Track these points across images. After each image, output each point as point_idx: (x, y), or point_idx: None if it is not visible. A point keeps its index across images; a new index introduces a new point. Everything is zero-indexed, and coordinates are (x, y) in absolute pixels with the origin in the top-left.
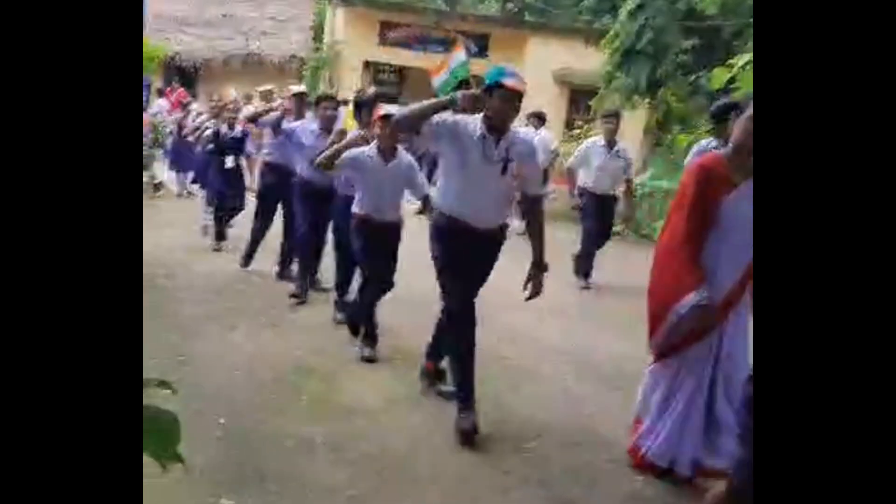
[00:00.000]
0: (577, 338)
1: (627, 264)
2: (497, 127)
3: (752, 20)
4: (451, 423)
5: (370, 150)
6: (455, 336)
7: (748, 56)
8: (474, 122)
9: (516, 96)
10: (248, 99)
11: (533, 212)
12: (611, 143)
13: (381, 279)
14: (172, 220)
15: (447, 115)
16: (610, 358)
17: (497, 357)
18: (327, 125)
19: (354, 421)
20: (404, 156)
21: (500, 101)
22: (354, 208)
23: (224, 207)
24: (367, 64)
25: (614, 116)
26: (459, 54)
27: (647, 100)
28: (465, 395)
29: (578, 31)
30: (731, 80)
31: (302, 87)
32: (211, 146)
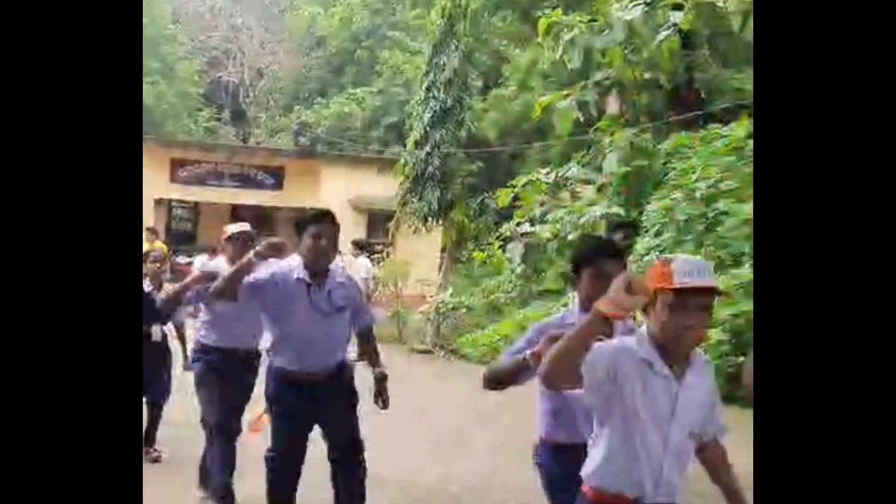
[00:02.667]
0: (399, 464)
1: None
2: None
3: (526, 144)
4: None
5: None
6: None
7: (527, 177)
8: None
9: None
10: None
11: None
12: None
13: None
14: None
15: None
16: (433, 481)
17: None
18: (323, 262)
19: None
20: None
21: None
22: (543, 430)
23: (150, 401)
24: (159, 201)
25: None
26: None
27: (440, 221)
28: None
29: (370, 160)
30: (517, 198)
31: (244, 226)
32: None
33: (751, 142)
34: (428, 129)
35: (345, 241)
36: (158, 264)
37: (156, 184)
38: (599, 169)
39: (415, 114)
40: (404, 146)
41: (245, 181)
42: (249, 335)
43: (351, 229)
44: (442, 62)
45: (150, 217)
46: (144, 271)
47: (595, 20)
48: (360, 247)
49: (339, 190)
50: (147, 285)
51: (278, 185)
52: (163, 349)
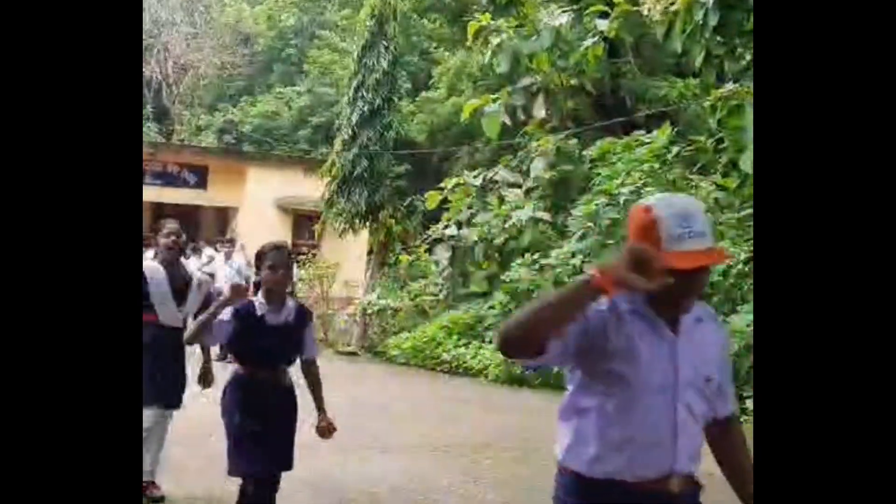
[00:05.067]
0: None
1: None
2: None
3: (455, 147)
4: None
5: None
6: None
7: (456, 179)
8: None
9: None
10: None
11: None
12: None
13: None
14: None
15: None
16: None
17: None
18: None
19: None
20: None
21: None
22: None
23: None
24: None
25: None
26: None
27: (367, 223)
28: None
29: (297, 160)
30: (445, 201)
31: None
32: None
33: (674, 148)
34: (356, 129)
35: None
36: (174, 237)
37: None
38: (527, 173)
39: (343, 114)
40: (332, 147)
41: (168, 179)
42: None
43: (276, 230)
44: (371, 63)
45: None
46: (155, 248)
47: (523, 25)
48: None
49: (264, 190)
50: (156, 267)
51: (202, 183)
52: (176, 340)
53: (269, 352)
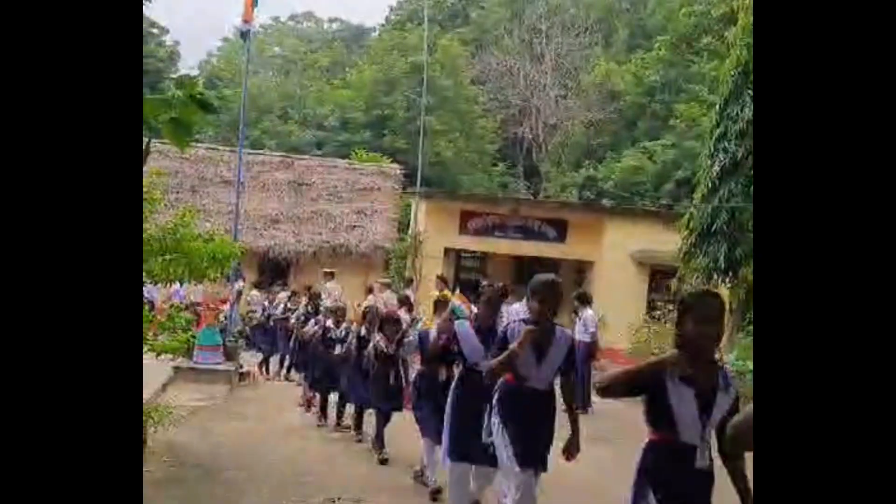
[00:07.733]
0: None
1: None
2: None
3: None
4: None
5: None
6: None
7: None
8: None
9: None
10: (370, 290)
11: None
12: None
13: None
14: (255, 411)
15: None
16: None
17: None
18: None
19: None
20: None
21: None
22: None
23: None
24: (447, 251)
25: None
26: None
27: (727, 279)
28: None
29: (656, 214)
30: None
31: None
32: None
33: None
34: (716, 181)
35: (634, 300)
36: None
37: (446, 235)
38: None
39: (703, 166)
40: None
41: (528, 233)
42: None
43: (632, 284)
44: (734, 113)
45: (439, 266)
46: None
47: None
48: (585, 301)
49: (621, 244)
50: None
51: (560, 237)
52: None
53: (693, 423)
